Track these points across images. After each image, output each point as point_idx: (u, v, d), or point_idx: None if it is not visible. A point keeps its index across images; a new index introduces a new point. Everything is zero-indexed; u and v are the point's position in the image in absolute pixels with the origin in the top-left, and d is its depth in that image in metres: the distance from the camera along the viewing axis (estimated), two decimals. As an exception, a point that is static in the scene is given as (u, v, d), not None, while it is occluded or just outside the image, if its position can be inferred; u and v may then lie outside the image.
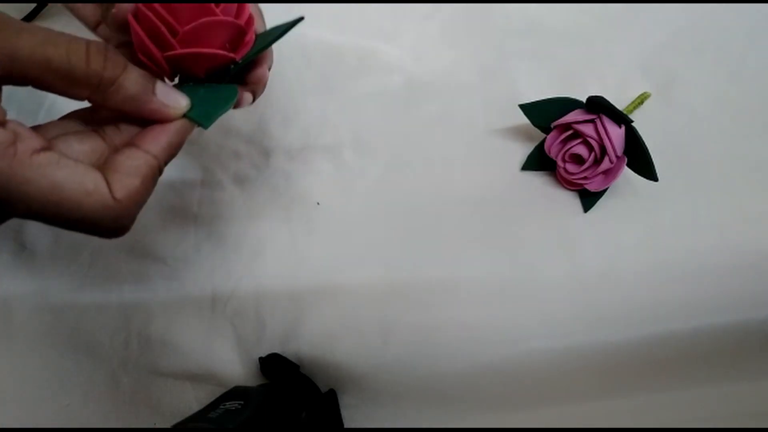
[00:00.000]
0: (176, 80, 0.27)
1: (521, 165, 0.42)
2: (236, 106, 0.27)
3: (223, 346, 0.39)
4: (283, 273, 0.40)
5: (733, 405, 0.36)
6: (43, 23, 0.50)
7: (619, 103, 0.39)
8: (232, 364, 0.39)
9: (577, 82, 0.43)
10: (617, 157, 0.37)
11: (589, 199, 0.40)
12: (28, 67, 0.21)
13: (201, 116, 0.25)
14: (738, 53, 0.44)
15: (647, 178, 0.37)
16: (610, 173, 0.38)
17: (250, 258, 0.41)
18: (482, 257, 0.39)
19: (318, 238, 0.41)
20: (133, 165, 0.23)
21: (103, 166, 0.23)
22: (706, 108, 0.42)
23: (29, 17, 0.50)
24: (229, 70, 0.27)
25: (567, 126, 0.39)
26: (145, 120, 0.25)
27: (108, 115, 0.25)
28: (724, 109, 0.42)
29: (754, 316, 0.36)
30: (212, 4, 0.25)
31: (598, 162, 0.38)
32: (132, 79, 0.23)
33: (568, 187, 0.40)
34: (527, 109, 0.40)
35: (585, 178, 0.39)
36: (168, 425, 0.31)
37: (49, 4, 0.51)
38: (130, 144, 0.24)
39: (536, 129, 0.41)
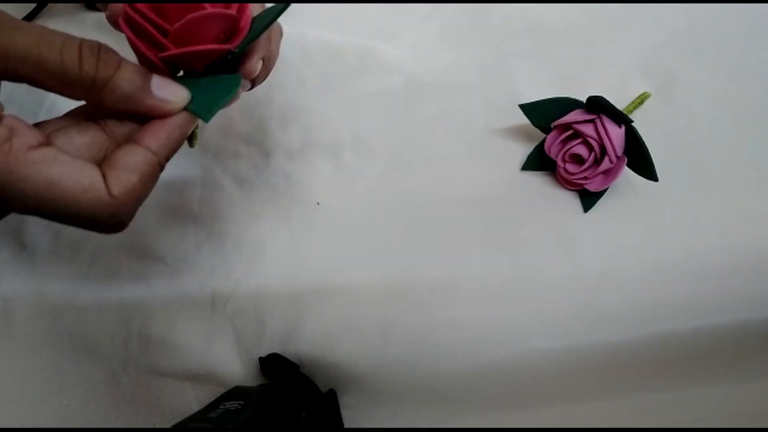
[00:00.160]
0: (181, 72, 0.27)
1: (521, 165, 0.42)
2: (235, 97, 0.27)
3: (223, 346, 0.39)
4: (283, 273, 0.40)
5: (733, 405, 0.36)
6: (43, 23, 0.50)
7: (619, 103, 0.39)
8: (232, 364, 0.39)
9: (577, 82, 0.43)
10: (617, 157, 0.37)
11: (589, 199, 0.40)
12: (22, 66, 0.21)
13: (201, 109, 0.25)
14: (738, 53, 0.44)
15: (647, 178, 0.37)
16: (610, 173, 0.38)
17: (250, 258, 0.41)
18: (482, 257, 0.39)
19: (318, 238, 0.41)
20: (131, 161, 0.23)
21: (102, 162, 0.23)
22: (706, 108, 0.42)
23: (29, 17, 0.50)
24: (227, 59, 0.26)
25: (567, 126, 0.39)
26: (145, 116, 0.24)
27: (109, 113, 0.25)
28: (724, 109, 0.42)
29: (754, 316, 0.36)
30: None
31: (598, 162, 0.38)
32: (126, 78, 0.23)
33: (568, 187, 0.40)
34: (527, 109, 0.40)
35: (585, 178, 0.39)
36: (168, 425, 0.31)
37: (49, 4, 0.51)
38: (131, 140, 0.24)
39: (536, 129, 0.41)
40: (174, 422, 0.31)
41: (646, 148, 0.36)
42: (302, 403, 0.37)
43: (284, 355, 0.38)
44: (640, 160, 0.37)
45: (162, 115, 0.24)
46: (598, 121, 0.37)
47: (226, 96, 0.25)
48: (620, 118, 0.37)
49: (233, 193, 0.43)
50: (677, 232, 0.38)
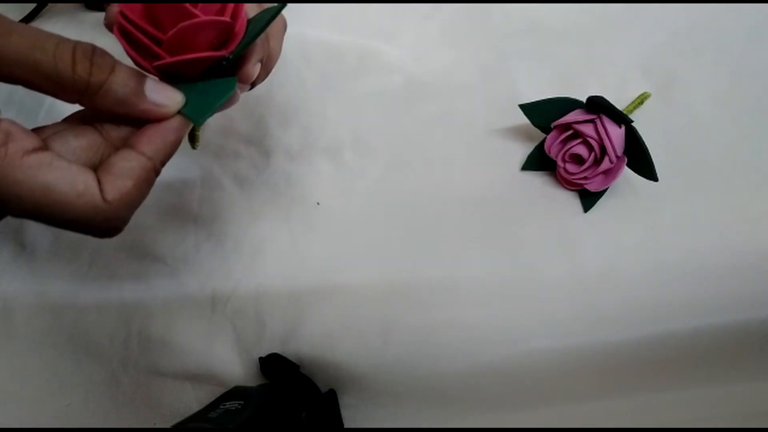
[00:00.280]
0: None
1: (521, 165, 0.42)
2: (231, 100, 0.27)
3: (223, 346, 0.39)
4: (283, 273, 0.40)
5: (733, 405, 0.36)
6: (43, 23, 0.50)
7: (619, 103, 0.39)
8: (232, 364, 0.39)
9: (577, 82, 0.43)
10: (617, 157, 0.37)
11: (589, 199, 0.40)
12: (16, 69, 0.21)
13: (194, 112, 0.25)
14: (738, 53, 0.44)
15: (647, 178, 0.37)
16: (610, 173, 0.38)
17: (250, 258, 0.41)
18: (482, 257, 0.39)
19: (318, 238, 0.41)
20: (126, 167, 0.23)
21: (98, 167, 0.23)
22: (706, 108, 0.42)
23: (29, 17, 0.50)
24: (222, 65, 0.26)
25: (567, 126, 0.39)
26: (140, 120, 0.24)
27: (105, 116, 0.25)
28: (724, 109, 0.42)
29: (754, 316, 0.36)
30: (189, 5, 0.24)
31: (598, 162, 0.38)
32: (119, 82, 0.23)
33: (568, 187, 0.40)
34: (527, 109, 0.40)
35: (585, 178, 0.39)
36: (168, 425, 0.31)
37: (49, 4, 0.51)
38: (126, 145, 0.24)
39: (536, 129, 0.41)
40: (174, 422, 0.31)
41: (646, 148, 0.36)
42: (302, 403, 0.37)
43: (284, 355, 0.38)
44: (640, 160, 0.37)
45: (157, 119, 0.24)
46: (598, 121, 0.37)
47: (220, 100, 0.25)
48: (620, 118, 0.37)
49: (233, 193, 0.43)
50: (677, 232, 0.38)
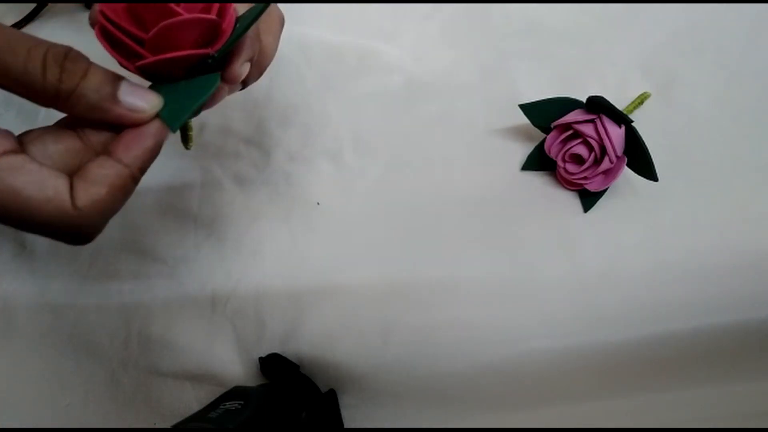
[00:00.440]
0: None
1: (521, 165, 0.42)
2: (214, 98, 0.26)
3: (223, 346, 0.39)
4: (283, 273, 0.40)
5: (733, 405, 0.36)
6: (43, 23, 0.50)
7: (619, 103, 0.39)
8: (232, 364, 0.39)
9: (577, 82, 0.43)
10: (617, 157, 0.37)
11: (589, 199, 0.40)
12: None
13: (170, 116, 0.24)
14: (738, 53, 0.44)
15: (647, 178, 0.37)
16: (610, 173, 0.38)
17: (250, 258, 0.41)
18: (482, 257, 0.39)
19: (318, 238, 0.41)
20: (101, 174, 0.22)
21: (75, 172, 0.23)
22: (706, 108, 0.42)
23: (29, 17, 0.50)
24: (208, 63, 0.25)
25: (567, 126, 0.39)
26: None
27: (86, 121, 0.24)
28: (724, 109, 0.42)
29: (754, 316, 0.36)
30: (172, 4, 0.23)
31: (598, 162, 0.38)
32: (91, 88, 0.22)
33: (568, 187, 0.40)
34: (527, 109, 0.40)
35: (585, 178, 0.39)
36: (168, 425, 0.31)
37: (49, 4, 0.51)
38: (105, 151, 0.23)
39: (536, 129, 0.41)
40: (174, 422, 0.31)
41: (646, 148, 0.36)
42: (302, 403, 0.37)
43: (284, 355, 0.38)
44: (640, 160, 0.37)
45: (132, 124, 0.23)
46: (598, 121, 0.37)
47: (200, 98, 0.24)
48: (620, 118, 0.37)
49: (233, 193, 0.43)
50: (677, 232, 0.38)
